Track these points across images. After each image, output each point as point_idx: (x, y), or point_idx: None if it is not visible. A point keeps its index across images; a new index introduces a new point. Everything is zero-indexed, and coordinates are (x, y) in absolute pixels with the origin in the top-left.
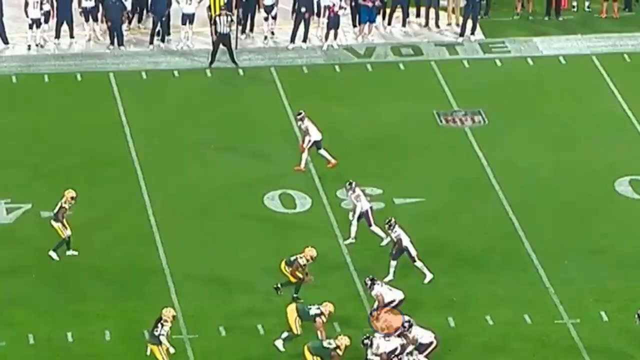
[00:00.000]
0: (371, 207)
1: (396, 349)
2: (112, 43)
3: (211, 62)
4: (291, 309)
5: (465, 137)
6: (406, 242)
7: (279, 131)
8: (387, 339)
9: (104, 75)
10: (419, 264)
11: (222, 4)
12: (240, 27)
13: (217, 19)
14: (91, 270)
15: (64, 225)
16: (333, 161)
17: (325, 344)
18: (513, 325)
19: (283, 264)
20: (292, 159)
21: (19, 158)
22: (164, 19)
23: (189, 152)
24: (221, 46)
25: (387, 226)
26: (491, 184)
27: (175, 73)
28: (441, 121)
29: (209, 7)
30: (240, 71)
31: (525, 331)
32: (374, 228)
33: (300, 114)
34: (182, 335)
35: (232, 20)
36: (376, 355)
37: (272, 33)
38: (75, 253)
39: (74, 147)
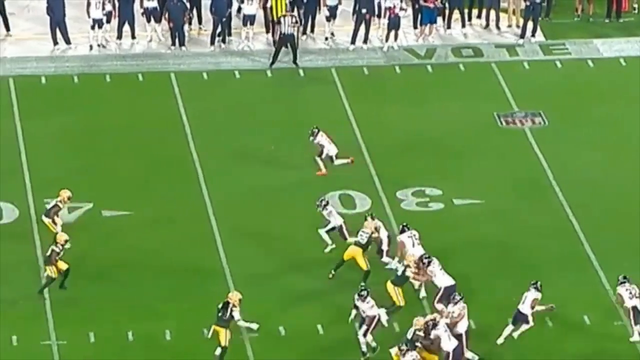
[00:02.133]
0: (344, 222)
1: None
2: (173, 43)
3: (272, 63)
4: (389, 285)
5: (525, 138)
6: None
7: (339, 131)
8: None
9: (165, 75)
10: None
11: (284, 5)
12: (301, 28)
13: (282, 19)
14: (150, 270)
15: (54, 222)
16: (324, 170)
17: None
18: (572, 326)
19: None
20: (354, 160)
21: (81, 157)
22: (224, 20)
23: (249, 152)
24: (283, 48)
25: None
26: (550, 184)
27: (236, 73)
28: (501, 122)
29: (271, 8)
30: (301, 72)
31: (584, 332)
32: (350, 241)
33: (313, 130)
34: (242, 336)
35: (296, 22)
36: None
37: (333, 34)
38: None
39: (135, 147)
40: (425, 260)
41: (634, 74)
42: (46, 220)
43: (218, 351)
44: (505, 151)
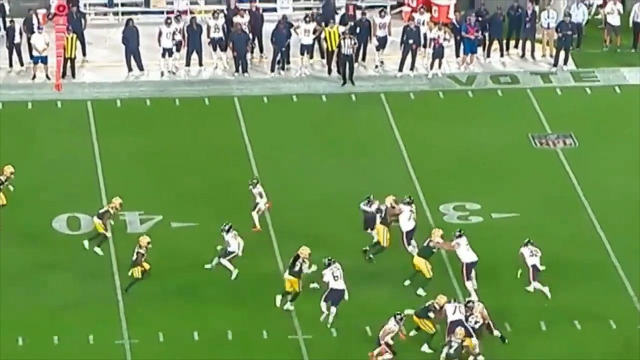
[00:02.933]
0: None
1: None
2: (237, 70)
3: (344, 83)
4: (417, 259)
5: (557, 158)
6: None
7: (387, 151)
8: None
9: (229, 99)
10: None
11: (337, 35)
12: (357, 51)
13: (342, 42)
14: (214, 275)
15: (104, 224)
16: (258, 227)
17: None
18: (600, 330)
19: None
20: (399, 177)
21: (152, 174)
22: (284, 49)
23: (306, 169)
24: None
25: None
26: (581, 201)
27: (294, 97)
28: (535, 144)
29: (325, 38)
30: (353, 96)
31: (610, 335)
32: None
33: (253, 180)
34: (298, 336)
35: (355, 43)
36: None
37: (382, 62)
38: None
39: (201, 165)
40: (457, 233)
41: None
42: (97, 221)
43: (291, 296)
44: (538, 170)
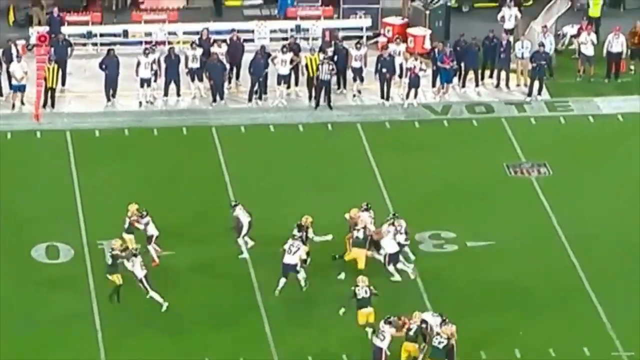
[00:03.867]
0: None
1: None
2: (214, 100)
3: (316, 106)
4: (355, 250)
5: (532, 187)
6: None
7: (363, 181)
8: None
9: (207, 129)
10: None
11: (317, 65)
12: (334, 78)
13: (320, 67)
14: (195, 300)
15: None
16: (157, 261)
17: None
18: (574, 357)
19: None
20: (376, 206)
21: (130, 202)
22: (261, 79)
23: (283, 199)
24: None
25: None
26: (554, 228)
27: (271, 127)
28: (510, 172)
29: (306, 65)
30: (329, 126)
31: None
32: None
33: (234, 202)
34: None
35: (332, 69)
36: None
37: (359, 92)
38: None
39: (179, 194)
40: (390, 218)
41: (630, 129)
42: (128, 237)
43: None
44: (513, 198)
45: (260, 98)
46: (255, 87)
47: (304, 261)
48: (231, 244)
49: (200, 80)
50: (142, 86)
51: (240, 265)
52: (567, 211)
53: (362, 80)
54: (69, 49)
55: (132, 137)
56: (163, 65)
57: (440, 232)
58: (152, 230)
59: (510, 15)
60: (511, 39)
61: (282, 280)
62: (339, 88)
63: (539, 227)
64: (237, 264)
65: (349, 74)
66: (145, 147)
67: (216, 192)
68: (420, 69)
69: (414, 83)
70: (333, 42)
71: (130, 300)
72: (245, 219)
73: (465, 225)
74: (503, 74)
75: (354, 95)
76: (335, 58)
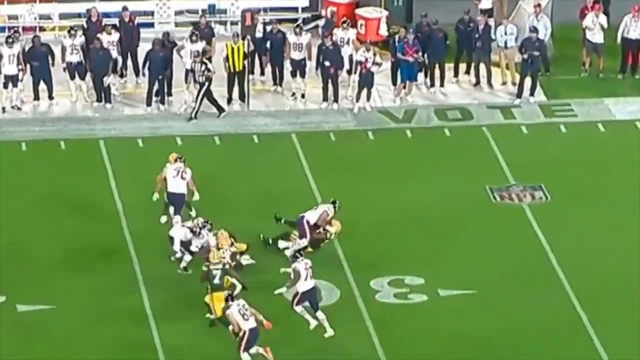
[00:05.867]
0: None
1: None
2: (98, 100)
3: (192, 115)
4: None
5: (524, 216)
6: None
7: (301, 209)
8: None
9: (93, 142)
10: None
11: (241, 56)
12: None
13: (193, 65)
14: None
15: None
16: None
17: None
18: None
19: None
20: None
21: None
22: (162, 77)
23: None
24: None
25: None
26: (555, 271)
27: (178, 140)
28: (495, 198)
29: (227, 57)
30: (255, 137)
31: None
32: None
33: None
34: None
35: (207, 69)
36: None
37: (303, 95)
38: None
39: (56, 227)
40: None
41: None
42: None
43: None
44: (499, 232)
45: (162, 102)
46: (156, 87)
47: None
48: (126, 282)
49: (83, 78)
50: (5, 86)
51: (137, 302)
52: (569, 249)
53: (303, 75)
54: None
55: None
56: (26, 58)
57: (404, 278)
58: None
59: None
60: (491, 22)
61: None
62: (280, 84)
63: (533, 269)
64: (135, 298)
65: (287, 68)
66: (9, 167)
67: (106, 227)
68: (375, 63)
69: (366, 81)
70: (253, 25)
71: None
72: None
73: (436, 268)
74: (483, 68)
75: (293, 95)
76: (269, 45)
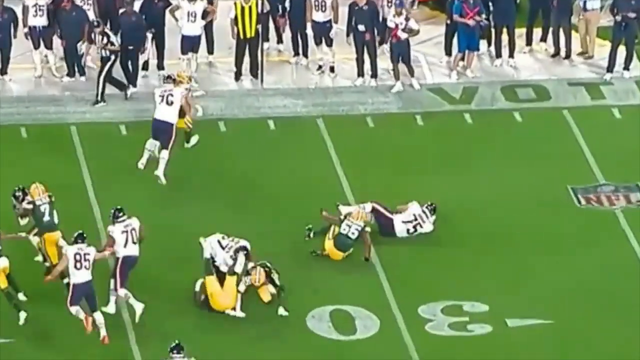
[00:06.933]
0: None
1: None
2: (69, 74)
3: (98, 101)
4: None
5: (616, 223)
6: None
7: (331, 207)
8: None
9: (63, 127)
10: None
11: (254, 18)
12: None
13: (93, 37)
14: None
15: None
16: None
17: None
18: None
19: None
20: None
21: None
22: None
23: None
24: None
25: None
26: None
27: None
28: (579, 201)
29: (235, 19)
30: (271, 123)
31: None
32: None
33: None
34: None
35: (109, 42)
36: None
37: (332, 68)
38: None
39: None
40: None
41: None
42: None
43: None
44: (584, 244)
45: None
46: (144, 58)
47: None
48: None
49: (49, 47)
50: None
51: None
52: None
53: (329, 43)
54: None
55: None
56: None
57: (462, 304)
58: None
59: None
60: None
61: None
62: (295, 55)
63: (625, 291)
64: None
65: (308, 34)
66: None
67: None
68: (406, 29)
69: (399, 52)
70: None
71: None
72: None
73: (503, 290)
74: (562, 35)
75: (320, 69)
76: (287, 5)
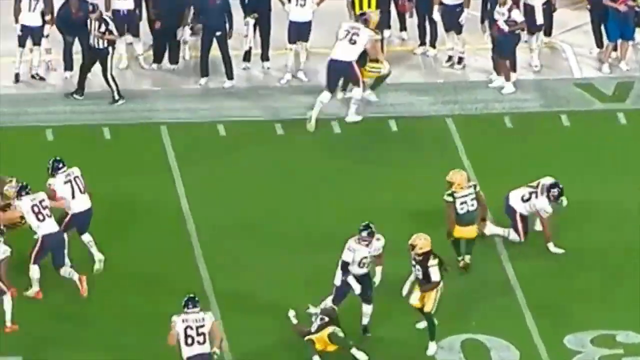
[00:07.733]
0: None
1: None
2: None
3: (77, 92)
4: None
5: None
6: None
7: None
8: None
9: (153, 128)
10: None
11: (373, 1)
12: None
13: (88, 23)
14: None
15: None
16: None
17: None
18: None
19: None
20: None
21: None
22: (219, 33)
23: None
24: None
25: None
26: None
27: (220, 128)
28: None
29: (352, 1)
30: (392, 123)
31: None
32: None
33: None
34: None
35: (106, 30)
36: None
37: (460, 61)
38: None
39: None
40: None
41: None
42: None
43: None
44: None
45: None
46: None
47: None
48: None
49: (37, 42)
50: (22, 44)
51: None
52: None
53: (460, 30)
54: None
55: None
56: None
57: (616, 333)
58: None
59: None
60: None
61: None
62: (421, 45)
63: None
64: None
65: (435, 19)
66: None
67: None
68: (509, 22)
69: (503, 50)
70: None
71: None
72: None
73: None
74: None
75: (449, 60)
76: None
